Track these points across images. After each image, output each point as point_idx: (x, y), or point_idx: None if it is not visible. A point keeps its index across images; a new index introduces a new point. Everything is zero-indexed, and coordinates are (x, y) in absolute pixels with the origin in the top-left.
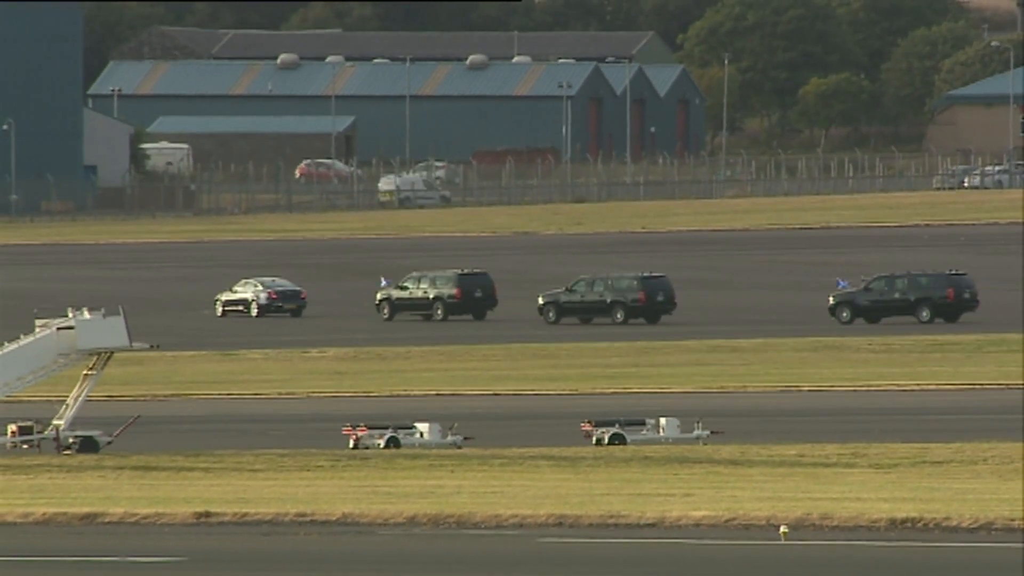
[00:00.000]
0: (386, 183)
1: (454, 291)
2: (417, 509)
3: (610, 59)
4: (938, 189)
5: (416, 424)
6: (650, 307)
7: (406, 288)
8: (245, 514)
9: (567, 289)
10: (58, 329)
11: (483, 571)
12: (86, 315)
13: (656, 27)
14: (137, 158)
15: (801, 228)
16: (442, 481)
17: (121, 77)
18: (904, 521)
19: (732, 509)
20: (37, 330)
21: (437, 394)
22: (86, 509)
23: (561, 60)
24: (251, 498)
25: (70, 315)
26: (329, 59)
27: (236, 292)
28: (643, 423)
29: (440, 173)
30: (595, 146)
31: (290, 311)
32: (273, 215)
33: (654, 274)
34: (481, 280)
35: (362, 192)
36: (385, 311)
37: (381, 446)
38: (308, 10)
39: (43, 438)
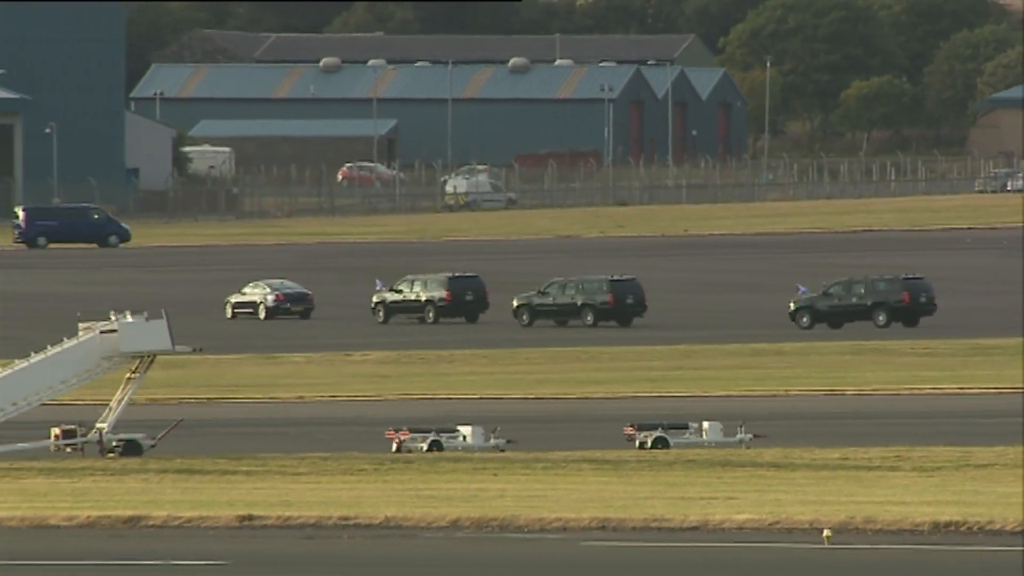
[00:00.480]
0: (453, 185)
1: (445, 294)
2: (460, 512)
3: (652, 62)
4: (980, 192)
5: (459, 427)
6: (619, 309)
7: (400, 291)
8: (288, 517)
9: (539, 292)
10: (101, 332)
11: (526, 575)
12: (129, 318)
13: (697, 30)
14: (179, 161)
15: (843, 231)
16: (485, 484)
17: (163, 80)
18: (947, 524)
19: (775, 513)
20: (80, 333)
21: (480, 397)
22: (129, 512)
23: (603, 63)
24: (294, 501)
25: (113, 318)
26: (371, 62)
27: (245, 294)
28: (686, 426)
29: (482, 176)
30: (637, 149)
31: (298, 313)
32: (315, 218)
33: (624, 276)
34: (472, 283)
35: (404, 196)
36: (380, 314)
37: (424, 449)
38: (350, 14)
39: (86, 441)
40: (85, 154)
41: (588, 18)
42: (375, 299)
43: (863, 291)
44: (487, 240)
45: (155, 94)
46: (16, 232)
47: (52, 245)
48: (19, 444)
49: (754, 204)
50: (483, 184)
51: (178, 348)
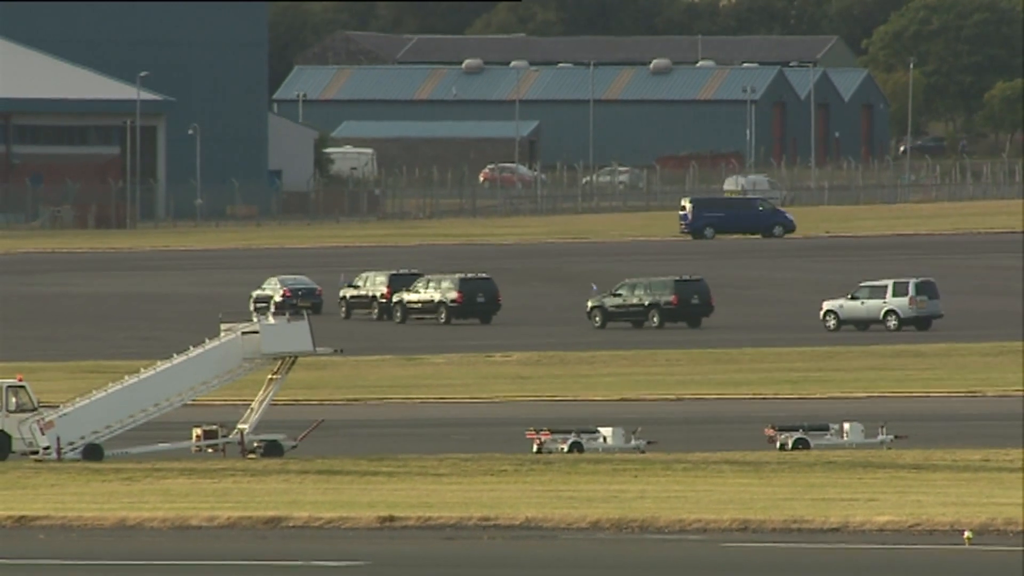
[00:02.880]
0: (731, 183)
1: (455, 295)
2: (600, 514)
3: (794, 63)
4: None
5: (599, 428)
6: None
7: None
8: (429, 518)
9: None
10: (243, 333)
11: None
12: (271, 319)
13: (840, 31)
14: (321, 163)
15: (986, 232)
16: (625, 486)
17: (306, 82)
18: None
19: (916, 514)
20: (222, 334)
21: (620, 398)
22: (270, 513)
23: (745, 64)
24: (435, 502)
25: (255, 319)
26: (513, 64)
27: (264, 289)
28: (827, 428)
29: (624, 177)
30: (779, 150)
31: (306, 308)
32: (457, 220)
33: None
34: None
35: (545, 197)
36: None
37: (564, 450)
38: (492, 15)
39: (228, 442)
40: (228, 155)
41: (731, 19)
42: (340, 293)
43: (642, 292)
44: (627, 241)
45: (297, 95)
46: (683, 223)
47: (719, 236)
48: (161, 445)
49: (896, 205)
50: (760, 182)
51: (319, 349)
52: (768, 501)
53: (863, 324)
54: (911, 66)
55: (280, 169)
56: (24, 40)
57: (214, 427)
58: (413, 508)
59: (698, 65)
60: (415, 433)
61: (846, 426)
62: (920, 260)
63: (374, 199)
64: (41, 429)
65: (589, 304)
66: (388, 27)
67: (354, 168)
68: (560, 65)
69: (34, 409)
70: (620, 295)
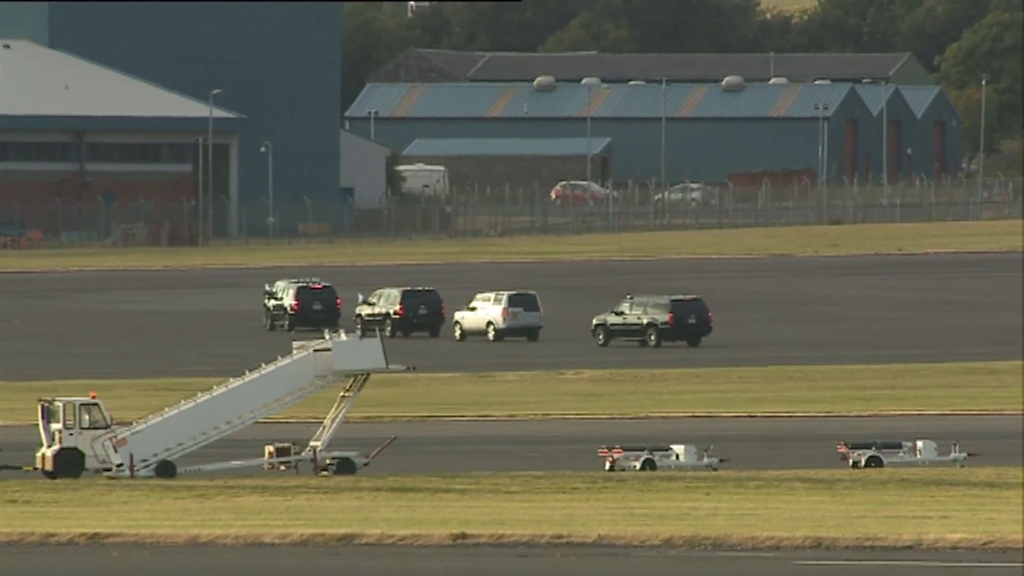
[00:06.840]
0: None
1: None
2: (673, 531)
3: (866, 80)
4: None
5: (672, 446)
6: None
7: (621, 313)
8: (501, 536)
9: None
10: (315, 351)
11: None
12: (343, 337)
13: (913, 48)
14: (393, 180)
15: None
16: (698, 503)
17: (378, 100)
18: None
19: (989, 532)
20: (294, 352)
21: (693, 416)
22: (343, 530)
23: (817, 81)
24: (507, 520)
25: (327, 337)
26: (585, 81)
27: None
28: (900, 445)
29: (696, 195)
30: (851, 168)
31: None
32: (529, 237)
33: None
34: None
35: (617, 214)
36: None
37: (637, 468)
38: (564, 32)
39: (300, 459)
40: (300, 173)
41: (803, 36)
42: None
43: (383, 303)
44: (699, 259)
45: (369, 113)
46: None
47: None
48: (233, 462)
49: (969, 223)
50: None
51: (392, 366)
52: (841, 518)
53: (478, 334)
54: (984, 83)
55: (352, 187)
56: (96, 58)
57: (287, 444)
58: (486, 525)
59: (770, 82)
60: (487, 450)
61: (919, 444)
62: (993, 277)
63: (446, 216)
64: (114, 446)
65: (355, 311)
66: (460, 45)
67: (426, 186)
68: (632, 82)
69: (107, 426)
70: (373, 303)
